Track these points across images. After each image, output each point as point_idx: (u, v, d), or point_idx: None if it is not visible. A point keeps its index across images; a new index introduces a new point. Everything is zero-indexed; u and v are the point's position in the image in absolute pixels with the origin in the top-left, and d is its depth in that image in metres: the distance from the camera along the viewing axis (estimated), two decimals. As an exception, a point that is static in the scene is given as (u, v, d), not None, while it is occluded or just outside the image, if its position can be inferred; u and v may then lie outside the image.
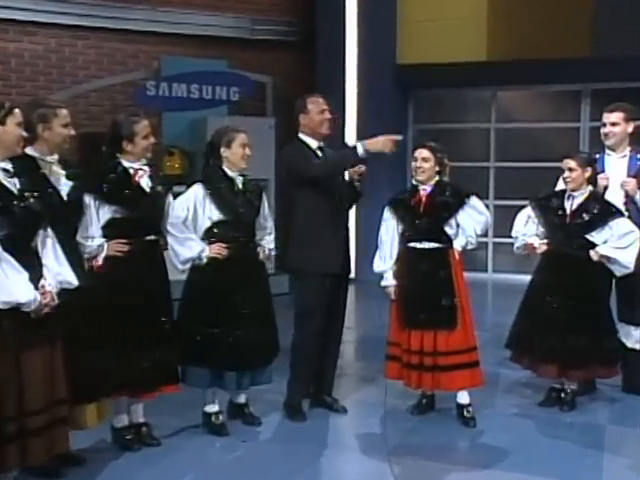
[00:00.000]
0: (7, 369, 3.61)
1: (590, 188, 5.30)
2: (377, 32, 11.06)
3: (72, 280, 3.91)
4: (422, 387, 5.18)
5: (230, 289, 4.81)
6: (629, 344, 5.57)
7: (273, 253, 5.15)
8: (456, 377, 5.04)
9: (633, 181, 5.45)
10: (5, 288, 3.56)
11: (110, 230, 4.45)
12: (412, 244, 5.10)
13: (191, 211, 4.78)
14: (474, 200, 5.11)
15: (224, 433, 4.92)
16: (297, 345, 5.19)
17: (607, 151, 5.67)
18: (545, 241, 5.36)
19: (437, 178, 5.12)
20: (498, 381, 6.01)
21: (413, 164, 5.12)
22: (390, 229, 5.17)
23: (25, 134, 3.85)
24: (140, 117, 4.63)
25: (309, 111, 5.18)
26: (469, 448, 4.98)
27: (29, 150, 4.09)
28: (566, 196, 5.31)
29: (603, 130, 5.68)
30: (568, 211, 5.28)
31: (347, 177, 5.31)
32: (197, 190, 4.83)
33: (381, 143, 4.93)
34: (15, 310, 3.61)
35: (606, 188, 5.51)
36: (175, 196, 4.85)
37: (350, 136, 10.97)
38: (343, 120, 11.12)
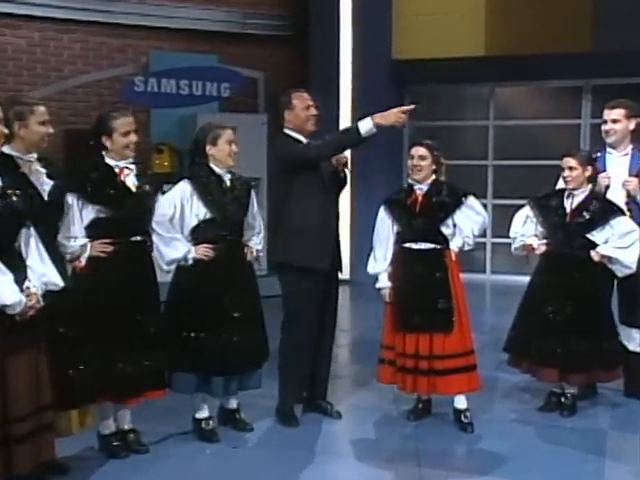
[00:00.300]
0: (-9, 373, 3.61)
1: (590, 187, 5.31)
2: (372, 26, 11.07)
3: (58, 281, 3.90)
4: (417, 391, 5.19)
5: (217, 291, 4.80)
6: (631, 347, 5.58)
7: (261, 254, 5.14)
8: (453, 381, 5.04)
9: (635, 180, 5.45)
10: (-11, 290, 3.55)
11: (94, 230, 4.44)
12: (408, 245, 5.10)
13: (178, 209, 4.76)
14: (471, 200, 5.12)
15: (214, 439, 4.92)
16: (286, 348, 5.18)
17: (608, 149, 5.67)
18: (544, 241, 5.37)
19: (433, 177, 5.12)
20: (496, 385, 6.02)
21: (409, 162, 5.13)
22: (385, 229, 5.18)
23: (6, 131, 3.83)
24: (121, 113, 4.57)
25: (294, 107, 5.17)
26: (467, 454, 4.98)
27: (6, 149, 4.05)
28: (566, 195, 5.32)
29: (604, 127, 5.68)
30: (568, 210, 5.28)
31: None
32: (184, 187, 4.82)
33: (393, 116, 4.85)
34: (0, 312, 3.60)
35: (607, 188, 5.52)
36: (164, 195, 4.84)
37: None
38: (337, 116, 11.14)
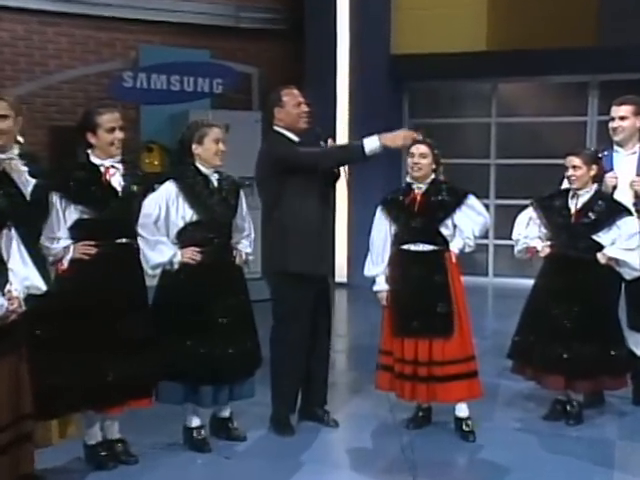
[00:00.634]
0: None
1: (596, 187, 5.31)
2: (370, 20, 11.08)
3: (40, 285, 3.87)
4: (416, 399, 5.18)
5: (204, 296, 4.77)
6: (639, 353, 5.58)
7: (251, 257, 5.12)
8: (453, 388, 5.03)
9: (643, 180, 5.46)
10: (-31, 294, 3.54)
11: (77, 231, 4.42)
12: (406, 246, 5.10)
13: (162, 210, 4.74)
14: (472, 199, 5.12)
15: (206, 449, 4.90)
16: (277, 355, 5.17)
17: (615, 147, 5.67)
18: (548, 243, 5.37)
19: (433, 176, 5.12)
20: (499, 393, 6.02)
21: (409, 160, 5.12)
22: (382, 230, 5.17)
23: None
24: (107, 108, 4.56)
25: (285, 104, 5.16)
26: (468, 464, 4.97)
27: None
28: (570, 195, 5.32)
29: (611, 124, 5.68)
30: (573, 211, 5.28)
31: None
32: (169, 188, 4.80)
33: (401, 139, 4.94)
34: (-21, 317, 3.59)
35: (615, 188, 5.52)
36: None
37: (341, 130, 10.98)
38: (334, 113, 11.14)
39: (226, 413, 5.12)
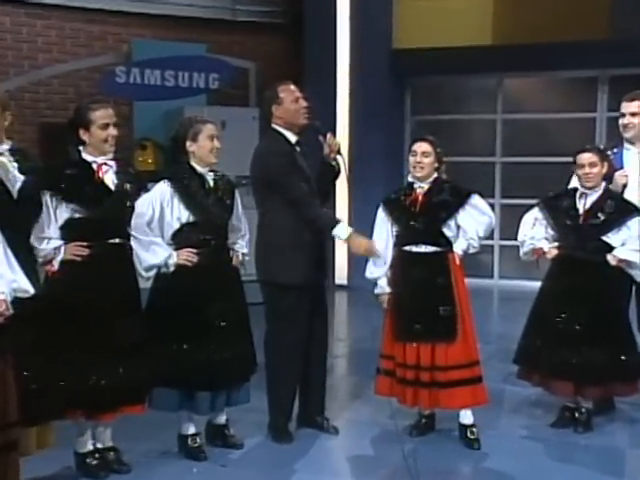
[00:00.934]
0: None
1: (604, 186, 5.31)
2: (371, 13, 11.08)
3: (28, 288, 3.85)
4: (418, 405, 5.19)
5: (201, 299, 4.77)
6: (650, 358, 5.57)
7: (247, 258, 5.12)
8: (456, 394, 5.03)
9: (654, 179, 5.46)
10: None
11: (69, 231, 4.41)
12: (407, 247, 5.10)
13: (157, 212, 4.74)
14: (476, 199, 5.12)
15: (202, 457, 4.90)
16: (272, 361, 5.17)
17: (626, 145, 5.67)
18: (555, 245, 5.36)
19: (435, 175, 5.12)
20: (504, 399, 6.02)
21: (411, 159, 5.12)
22: (384, 231, 5.17)
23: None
24: (101, 104, 4.55)
25: (282, 101, 5.15)
26: (473, 473, 4.97)
27: None
28: (578, 195, 5.32)
29: (622, 121, 5.67)
30: (581, 211, 5.28)
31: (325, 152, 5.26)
32: (163, 188, 4.80)
33: (363, 249, 5.00)
34: (-35, 321, 3.59)
35: (625, 186, 5.52)
36: (148, 194, 4.83)
37: (341, 128, 10.98)
38: (334, 110, 11.14)
39: (222, 420, 5.12)
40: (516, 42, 10.62)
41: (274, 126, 5.18)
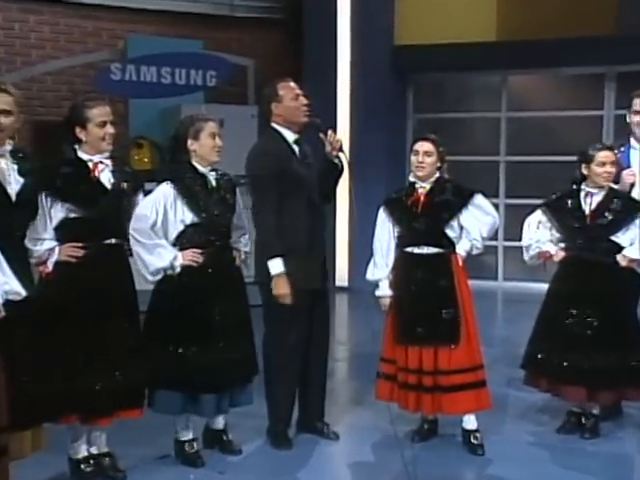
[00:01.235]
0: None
1: (610, 184, 5.31)
2: (372, 9, 11.09)
3: (19, 290, 3.86)
4: (421, 410, 5.19)
5: (206, 300, 4.78)
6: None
7: (249, 256, 5.13)
8: (460, 399, 5.03)
9: (662, 178, 5.46)
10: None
11: (64, 232, 4.42)
12: (409, 249, 5.10)
13: (160, 215, 4.73)
14: (479, 199, 5.12)
15: (199, 463, 4.90)
16: (271, 363, 5.18)
17: (633, 143, 5.67)
18: (562, 245, 5.36)
19: (437, 175, 5.13)
20: (508, 403, 6.03)
21: (413, 158, 5.13)
22: (385, 232, 5.18)
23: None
24: (97, 102, 4.57)
25: (282, 98, 5.16)
26: (476, 479, 4.97)
27: None
28: (583, 195, 5.32)
29: (633, 118, 5.67)
30: (587, 211, 5.27)
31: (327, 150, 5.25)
32: (166, 190, 4.78)
33: (280, 292, 4.96)
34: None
35: (632, 186, 5.52)
36: (146, 194, 4.81)
37: (342, 127, 10.97)
38: (334, 108, 11.15)
39: (220, 425, 5.12)
40: (521, 38, 10.61)
41: (273, 124, 5.19)
